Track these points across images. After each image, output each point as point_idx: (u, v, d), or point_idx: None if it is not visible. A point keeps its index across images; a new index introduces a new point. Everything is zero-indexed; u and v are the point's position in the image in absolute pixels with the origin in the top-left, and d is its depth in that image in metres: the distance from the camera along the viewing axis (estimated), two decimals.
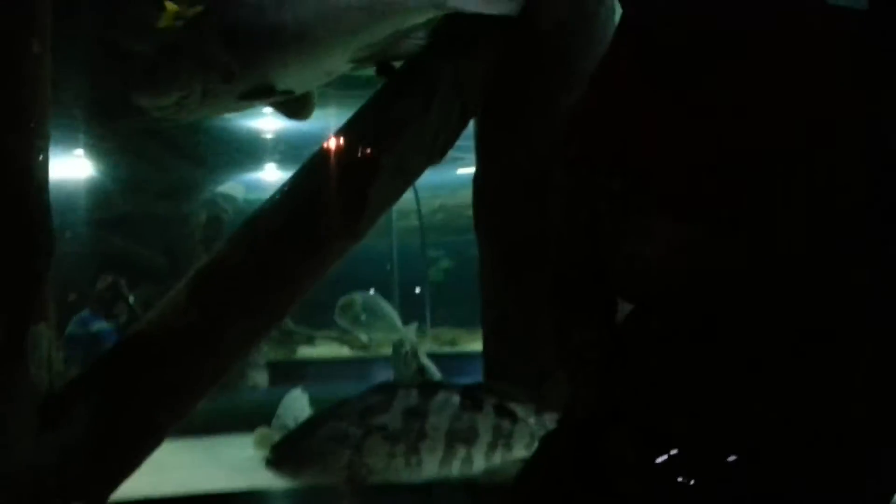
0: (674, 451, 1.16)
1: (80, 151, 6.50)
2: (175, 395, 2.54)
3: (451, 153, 3.10)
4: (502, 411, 2.82)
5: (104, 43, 4.76)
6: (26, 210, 2.25)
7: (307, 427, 2.93)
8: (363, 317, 6.59)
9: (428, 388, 2.98)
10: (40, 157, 2.26)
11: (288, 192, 2.84)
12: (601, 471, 1.21)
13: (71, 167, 6.62)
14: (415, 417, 2.75)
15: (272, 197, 2.85)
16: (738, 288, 1.19)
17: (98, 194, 6.90)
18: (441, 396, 2.82)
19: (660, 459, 1.16)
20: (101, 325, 5.63)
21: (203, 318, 2.56)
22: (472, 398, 2.83)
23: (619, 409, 1.24)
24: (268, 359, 6.94)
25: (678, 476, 1.16)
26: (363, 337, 7.00)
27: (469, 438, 2.77)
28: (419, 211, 9.95)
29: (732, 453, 1.16)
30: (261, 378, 6.85)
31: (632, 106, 1.26)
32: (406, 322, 6.24)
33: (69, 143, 6.02)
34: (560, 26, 2.99)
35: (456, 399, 2.81)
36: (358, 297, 6.60)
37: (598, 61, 1.38)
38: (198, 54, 2.55)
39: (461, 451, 2.76)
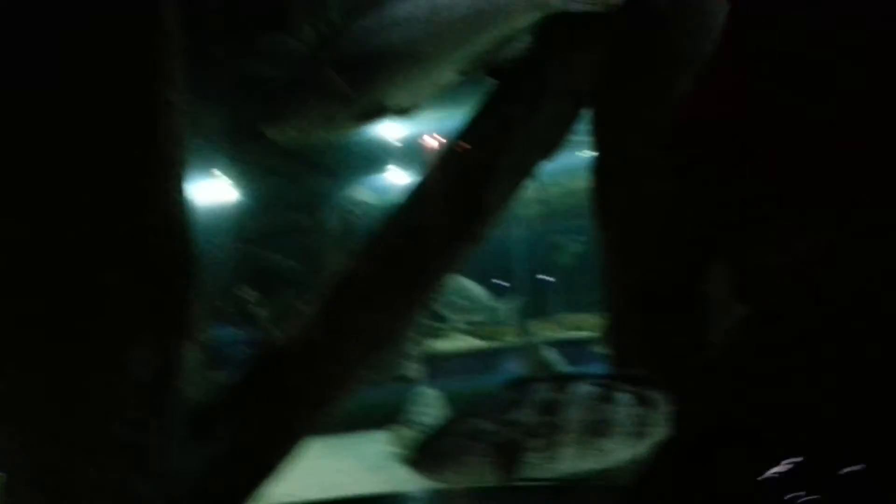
0: (789, 464, 1.13)
1: (220, 175, 6.96)
2: (310, 405, 2.74)
3: (575, 138, 3.13)
4: (638, 399, 2.80)
5: (233, 73, 5.05)
6: (168, 242, 2.46)
7: (445, 425, 2.99)
8: (460, 302, 6.69)
9: (561, 379, 2.99)
10: (178, 194, 2.47)
11: (407, 200, 2.96)
12: (714, 485, 1.20)
13: (215, 190, 7.09)
14: (550, 411, 2.76)
15: (393, 206, 2.98)
16: (872, 296, 1.13)
17: (241, 213, 7.38)
18: (575, 387, 2.82)
19: (775, 472, 1.13)
20: (233, 335, 6.01)
21: (333, 331, 2.74)
22: (606, 387, 2.82)
23: (730, 420, 1.21)
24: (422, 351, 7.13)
25: (795, 490, 1.13)
26: (463, 322, 7.09)
27: (606, 430, 2.77)
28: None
29: (849, 465, 1.12)
30: (415, 372, 7.03)
31: (750, 112, 1.20)
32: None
33: (210, 167, 6.47)
34: (670, 8, 2.97)
35: (590, 389, 2.81)
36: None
37: (706, 59, 1.31)
38: (318, 85, 2.70)
39: (599, 443, 2.76)
